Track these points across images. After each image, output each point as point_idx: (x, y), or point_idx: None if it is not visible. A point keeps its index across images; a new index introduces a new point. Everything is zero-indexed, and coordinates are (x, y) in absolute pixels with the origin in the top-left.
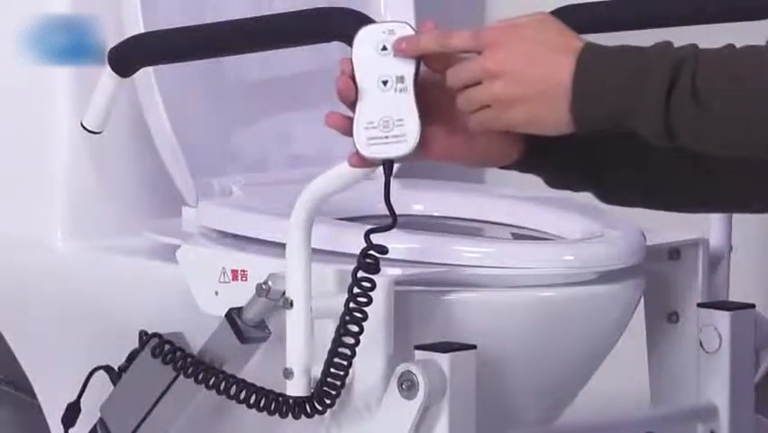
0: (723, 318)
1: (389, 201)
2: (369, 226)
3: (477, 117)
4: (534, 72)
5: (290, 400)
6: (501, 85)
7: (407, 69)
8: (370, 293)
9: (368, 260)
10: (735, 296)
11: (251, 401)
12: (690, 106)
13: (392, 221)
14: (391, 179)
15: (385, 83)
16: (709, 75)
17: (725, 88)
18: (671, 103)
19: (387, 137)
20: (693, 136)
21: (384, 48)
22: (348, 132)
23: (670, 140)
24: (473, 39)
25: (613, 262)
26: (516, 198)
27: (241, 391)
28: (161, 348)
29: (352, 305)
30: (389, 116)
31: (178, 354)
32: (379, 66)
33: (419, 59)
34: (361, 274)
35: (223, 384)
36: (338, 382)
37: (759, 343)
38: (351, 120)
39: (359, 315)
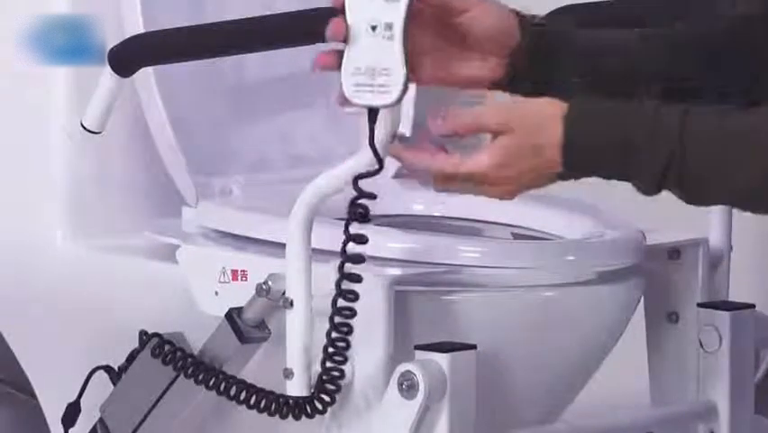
0: (723, 318)
1: (374, 146)
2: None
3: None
4: (526, 182)
5: (290, 401)
6: (494, 190)
7: (396, 16)
8: (357, 287)
9: (359, 209)
10: (735, 296)
11: (251, 402)
12: (681, 193)
13: (378, 165)
14: (375, 126)
15: (374, 28)
16: (699, 176)
17: (716, 189)
18: (662, 185)
19: (372, 85)
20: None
21: None
22: (337, 68)
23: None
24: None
25: (613, 262)
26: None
27: (240, 392)
28: (161, 348)
29: (342, 286)
30: (376, 64)
31: (179, 354)
32: (368, 10)
33: (409, 6)
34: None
35: (223, 385)
36: (336, 374)
37: (759, 343)
38: (341, 57)
39: (350, 296)
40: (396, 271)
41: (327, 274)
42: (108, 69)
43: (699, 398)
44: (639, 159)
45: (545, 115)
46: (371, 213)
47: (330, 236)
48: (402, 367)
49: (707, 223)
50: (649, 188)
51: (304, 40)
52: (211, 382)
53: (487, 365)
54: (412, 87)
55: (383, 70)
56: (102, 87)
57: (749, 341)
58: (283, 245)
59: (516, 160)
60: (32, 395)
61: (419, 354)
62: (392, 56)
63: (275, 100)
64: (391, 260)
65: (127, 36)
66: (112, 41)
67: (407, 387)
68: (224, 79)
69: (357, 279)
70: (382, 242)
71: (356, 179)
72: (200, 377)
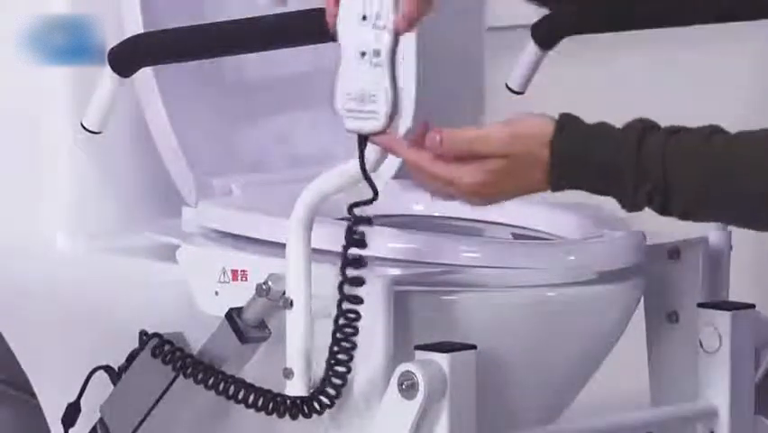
0: (723, 318)
1: (367, 174)
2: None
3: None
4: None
5: (288, 401)
6: (480, 202)
7: (384, 43)
8: (360, 293)
9: (355, 235)
10: (735, 296)
11: (250, 401)
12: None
13: (373, 194)
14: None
15: (363, 54)
16: (685, 205)
17: (703, 215)
18: (648, 206)
19: (361, 111)
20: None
21: (364, 17)
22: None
23: None
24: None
25: (613, 262)
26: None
27: (239, 391)
28: (161, 348)
29: (344, 305)
30: (365, 90)
31: (178, 354)
32: (358, 36)
33: (397, 34)
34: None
35: (222, 384)
36: (340, 382)
37: (759, 343)
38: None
39: (353, 306)
40: (396, 271)
41: (327, 275)
42: (108, 69)
43: (699, 398)
44: (624, 185)
45: (536, 142)
46: (371, 213)
47: (330, 236)
48: (402, 367)
49: (707, 223)
50: (633, 209)
51: (304, 39)
52: (210, 382)
53: (487, 365)
54: (411, 90)
55: (371, 97)
56: (102, 87)
57: (749, 341)
58: (283, 245)
59: (503, 181)
60: (32, 395)
61: (419, 354)
62: (379, 83)
63: (275, 100)
64: (391, 260)
65: (127, 36)
66: (112, 41)
67: (407, 387)
68: (224, 79)
69: (359, 301)
70: (382, 242)
71: (351, 207)
72: (199, 376)
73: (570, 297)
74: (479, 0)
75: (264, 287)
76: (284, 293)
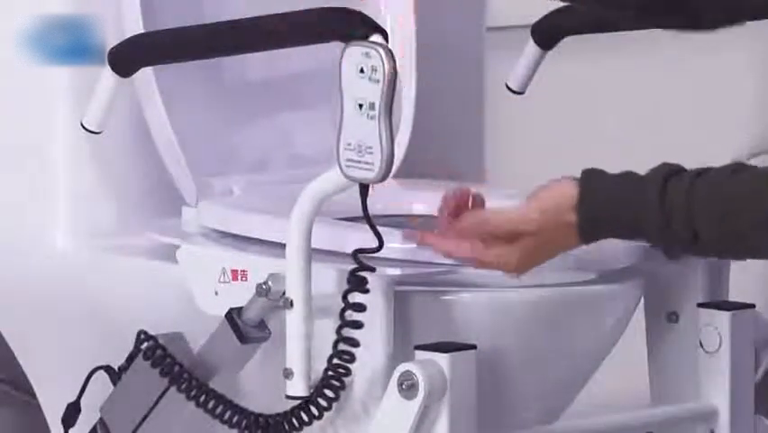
0: (723, 318)
1: (371, 223)
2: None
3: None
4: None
5: (269, 420)
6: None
7: (378, 95)
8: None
9: (358, 280)
10: (735, 296)
11: (225, 418)
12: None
13: (378, 244)
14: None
15: (360, 107)
16: (711, 246)
17: (732, 254)
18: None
19: (359, 162)
20: None
21: (361, 70)
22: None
23: None
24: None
25: (613, 262)
26: (517, 197)
27: (217, 407)
28: (152, 352)
29: (348, 314)
30: (362, 141)
31: (168, 360)
32: (355, 88)
33: (392, 86)
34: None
35: (201, 398)
36: (338, 383)
37: (759, 343)
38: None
39: (356, 321)
40: (396, 271)
41: (327, 275)
42: (108, 69)
43: (699, 398)
44: (652, 238)
45: (563, 209)
46: (371, 213)
47: (330, 236)
48: (402, 367)
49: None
50: (670, 256)
51: (304, 39)
52: (191, 394)
53: (487, 365)
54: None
55: (368, 148)
56: (102, 87)
57: (749, 341)
58: (283, 245)
59: (538, 254)
60: (32, 395)
61: (419, 354)
62: (374, 135)
63: (275, 100)
64: (391, 260)
65: (127, 36)
66: (112, 41)
67: (407, 387)
68: (224, 80)
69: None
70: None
71: (356, 253)
72: (182, 386)
73: (570, 297)
74: (479, 0)
75: (264, 287)
76: (284, 293)
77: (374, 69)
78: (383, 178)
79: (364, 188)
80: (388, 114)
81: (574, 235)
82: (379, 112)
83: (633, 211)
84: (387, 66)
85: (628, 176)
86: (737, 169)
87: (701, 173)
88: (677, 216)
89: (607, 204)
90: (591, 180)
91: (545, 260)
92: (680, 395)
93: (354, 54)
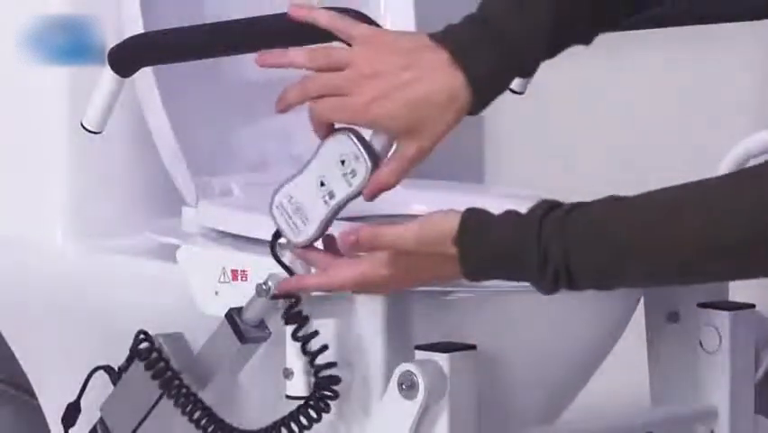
0: (723, 318)
1: (277, 256)
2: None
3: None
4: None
5: None
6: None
7: (343, 194)
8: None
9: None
10: (735, 296)
11: (209, 431)
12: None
13: (293, 300)
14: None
15: (322, 184)
16: (591, 284)
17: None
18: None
19: (290, 218)
20: None
21: (342, 162)
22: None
23: None
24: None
25: None
26: (517, 197)
27: (201, 420)
28: (148, 354)
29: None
30: (304, 209)
31: (161, 365)
32: (327, 170)
33: (358, 195)
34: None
35: (188, 407)
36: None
37: (759, 343)
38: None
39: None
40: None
41: None
42: (108, 69)
43: (699, 398)
44: (532, 276)
45: (443, 241)
46: (372, 213)
47: None
48: (402, 367)
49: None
50: (550, 293)
51: (304, 39)
52: (179, 402)
53: (487, 365)
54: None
55: (305, 218)
56: (102, 87)
57: (749, 341)
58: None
59: (414, 273)
60: (32, 395)
61: (419, 354)
62: (319, 214)
63: (275, 100)
64: None
65: (127, 36)
66: (112, 41)
67: (407, 387)
68: (224, 79)
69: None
70: None
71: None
72: (171, 393)
73: (569, 297)
74: (479, 1)
75: (264, 287)
76: None
77: (354, 174)
78: (298, 246)
79: (276, 236)
80: (341, 209)
81: (456, 267)
82: (336, 203)
83: (511, 243)
84: (365, 180)
85: (509, 213)
86: (618, 198)
87: (577, 206)
88: (554, 242)
89: (485, 240)
90: (472, 216)
91: (424, 282)
92: (680, 395)
93: (344, 143)
